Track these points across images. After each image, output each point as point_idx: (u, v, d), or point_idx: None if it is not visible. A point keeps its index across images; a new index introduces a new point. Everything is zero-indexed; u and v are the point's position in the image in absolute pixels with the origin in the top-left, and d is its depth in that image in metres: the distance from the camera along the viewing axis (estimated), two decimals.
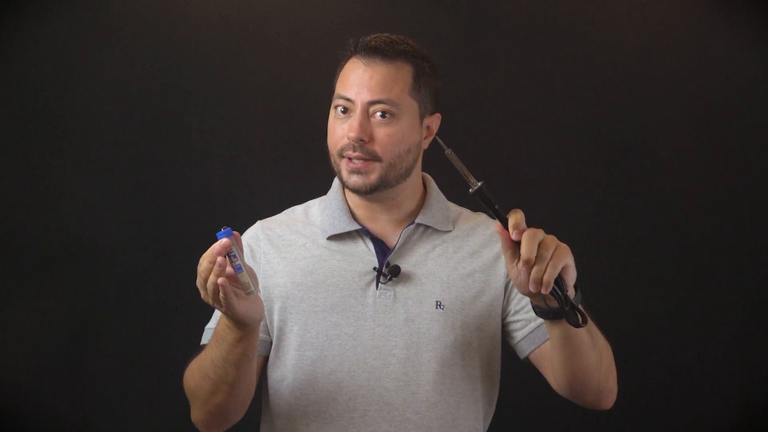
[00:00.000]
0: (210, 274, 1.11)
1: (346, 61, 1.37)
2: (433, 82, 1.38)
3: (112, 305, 1.98)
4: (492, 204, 1.13)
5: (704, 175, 2.02)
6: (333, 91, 1.39)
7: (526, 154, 2.04)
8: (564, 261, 1.09)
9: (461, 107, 1.98)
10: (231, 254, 1.11)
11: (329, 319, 1.32)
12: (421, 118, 1.37)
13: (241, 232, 1.42)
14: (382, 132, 1.32)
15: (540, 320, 1.32)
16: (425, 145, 1.40)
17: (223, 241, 1.10)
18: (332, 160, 1.36)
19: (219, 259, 1.10)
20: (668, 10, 2.02)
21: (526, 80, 2.04)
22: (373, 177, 1.32)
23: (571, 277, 1.12)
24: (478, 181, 1.14)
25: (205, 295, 1.14)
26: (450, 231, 1.40)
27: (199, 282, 1.15)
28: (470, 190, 1.14)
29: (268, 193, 1.99)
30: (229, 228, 1.11)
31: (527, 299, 1.32)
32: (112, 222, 1.98)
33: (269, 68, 2.01)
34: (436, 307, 1.33)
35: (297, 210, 1.45)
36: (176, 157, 2.00)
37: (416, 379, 1.31)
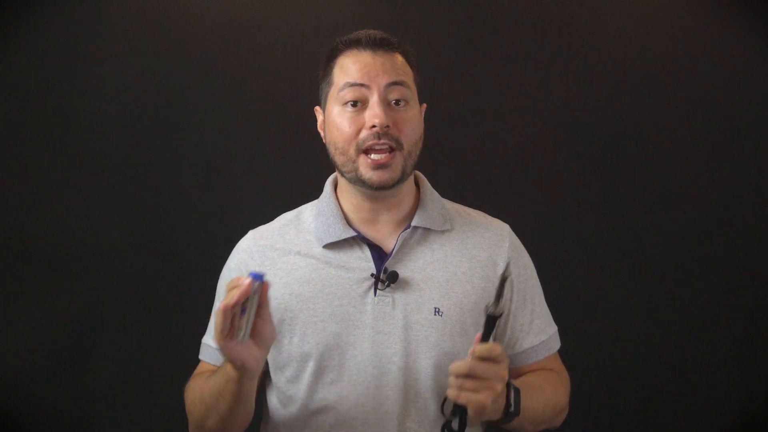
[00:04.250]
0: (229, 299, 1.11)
1: (335, 58, 1.34)
2: (418, 75, 1.38)
3: (112, 305, 1.98)
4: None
5: (705, 176, 2.02)
6: (319, 93, 1.38)
7: (527, 155, 2.04)
8: (471, 403, 1.17)
9: (462, 107, 1.99)
10: (247, 298, 1.12)
11: (328, 329, 1.29)
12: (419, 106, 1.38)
13: (238, 237, 1.42)
14: (401, 117, 1.30)
15: (525, 346, 1.41)
16: (423, 138, 1.37)
17: (246, 282, 1.11)
18: (343, 159, 1.31)
19: (234, 291, 1.11)
20: (669, 13, 2.02)
21: (526, 82, 2.03)
22: (398, 170, 1.29)
23: (479, 414, 1.18)
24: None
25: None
26: (449, 230, 1.38)
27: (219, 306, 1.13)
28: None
29: (267, 193, 1.98)
30: (262, 275, 1.13)
31: (522, 320, 1.40)
32: (112, 222, 1.98)
33: (269, 69, 2.01)
34: (435, 314, 1.31)
35: (289, 217, 1.42)
36: (176, 157, 2.00)
37: (415, 387, 1.29)
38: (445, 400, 1.26)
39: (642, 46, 2.02)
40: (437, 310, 1.31)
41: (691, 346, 2.02)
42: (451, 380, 1.19)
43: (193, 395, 1.31)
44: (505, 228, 1.44)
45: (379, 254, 1.33)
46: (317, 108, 1.40)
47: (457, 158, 1.99)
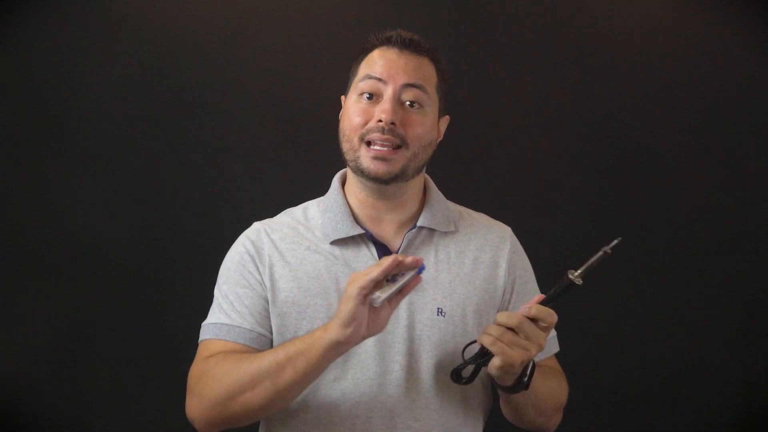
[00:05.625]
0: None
1: (367, 52, 1.36)
2: (445, 85, 1.40)
3: (112, 305, 1.98)
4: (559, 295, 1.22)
5: (704, 176, 2.02)
6: (345, 84, 1.38)
7: (527, 155, 2.04)
8: (503, 356, 1.18)
9: (463, 107, 1.98)
10: (403, 273, 1.15)
11: None
12: (439, 116, 1.38)
13: (239, 233, 1.42)
14: (411, 118, 1.31)
15: None
16: (434, 145, 1.38)
17: (418, 259, 1.15)
18: (347, 146, 1.33)
19: (403, 261, 1.14)
20: (669, 13, 2.02)
21: (526, 82, 2.03)
22: (398, 165, 1.30)
23: (502, 369, 1.20)
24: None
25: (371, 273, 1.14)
26: (453, 232, 1.39)
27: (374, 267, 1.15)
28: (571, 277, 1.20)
29: (268, 193, 1.98)
30: (423, 269, 1.16)
31: None
32: (112, 222, 1.98)
33: (269, 68, 2.01)
34: (438, 314, 1.32)
35: (295, 212, 1.42)
36: (176, 157, 2.00)
37: (417, 386, 1.30)
38: (468, 345, 1.27)
39: (642, 46, 2.02)
40: (440, 310, 1.32)
41: (691, 346, 2.02)
42: (493, 328, 1.19)
43: (221, 370, 1.25)
44: (506, 230, 1.45)
45: (385, 253, 1.34)
46: (343, 97, 1.41)
47: (456, 159, 1.99)
